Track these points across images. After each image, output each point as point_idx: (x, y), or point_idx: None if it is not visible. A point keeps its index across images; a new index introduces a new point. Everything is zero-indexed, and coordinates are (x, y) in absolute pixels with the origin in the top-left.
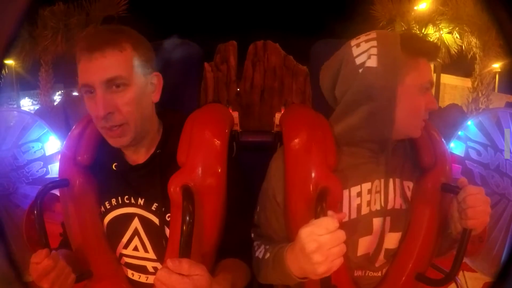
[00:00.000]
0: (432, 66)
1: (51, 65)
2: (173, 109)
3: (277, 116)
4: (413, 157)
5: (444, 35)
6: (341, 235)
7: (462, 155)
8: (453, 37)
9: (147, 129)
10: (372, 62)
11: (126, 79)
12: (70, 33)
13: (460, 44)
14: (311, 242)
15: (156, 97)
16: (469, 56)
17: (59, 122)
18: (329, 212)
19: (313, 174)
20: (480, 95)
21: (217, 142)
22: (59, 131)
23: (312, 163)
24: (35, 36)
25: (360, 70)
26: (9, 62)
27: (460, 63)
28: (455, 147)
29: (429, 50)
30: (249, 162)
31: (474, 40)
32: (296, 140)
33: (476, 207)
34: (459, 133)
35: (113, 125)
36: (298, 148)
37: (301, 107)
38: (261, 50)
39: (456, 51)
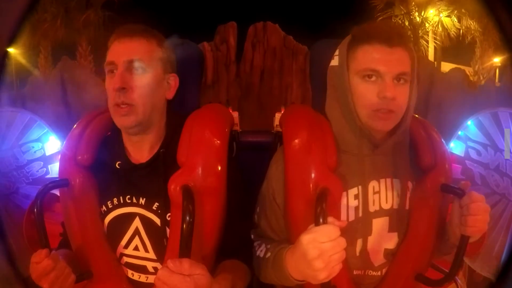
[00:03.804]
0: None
1: (50, 52)
2: (179, 111)
3: (277, 116)
4: (410, 156)
5: (443, 18)
6: (342, 242)
7: (462, 155)
8: (451, 20)
9: (154, 121)
10: (335, 62)
11: (146, 65)
12: (69, 16)
13: (458, 27)
14: (313, 249)
15: (169, 95)
16: (468, 39)
17: (56, 88)
18: (330, 219)
19: (313, 175)
20: (481, 78)
21: (217, 142)
22: (54, 98)
23: (312, 163)
24: (34, 22)
25: (328, 70)
26: (10, 49)
27: (460, 50)
28: (455, 147)
29: (373, 33)
30: (249, 162)
31: (473, 24)
32: (296, 140)
33: (477, 216)
34: (459, 133)
35: (124, 102)
36: (298, 148)
37: (301, 107)
38: (261, 31)
39: (455, 34)
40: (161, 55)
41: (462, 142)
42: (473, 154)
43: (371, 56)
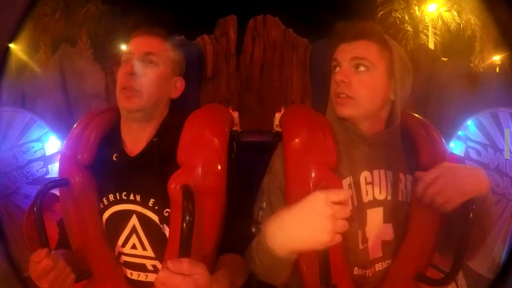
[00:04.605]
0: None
1: (51, 47)
2: (179, 110)
3: (277, 116)
4: (409, 153)
5: (443, 12)
6: (349, 210)
7: (462, 155)
8: (451, 14)
9: (156, 114)
10: None
11: (158, 60)
12: (69, 10)
13: (459, 22)
14: (326, 206)
15: (174, 95)
16: (468, 33)
17: (55, 75)
18: None
19: (313, 174)
20: (482, 71)
21: (217, 141)
22: (53, 85)
23: (312, 163)
24: (34, 16)
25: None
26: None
27: (460, 45)
28: (455, 147)
29: (336, 33)
30: (249, 162)
31: (472, 18)
32: (296, 140)
33: (441, 191)
34: (459, 133)
35: (131, 86)
36: (298, 148)
37: (301, 107)
38: (261, 24)
39: (455, 28)
40: (173, 57)
41: (462, 142)
42: (473, 154)
43: (335, 51)
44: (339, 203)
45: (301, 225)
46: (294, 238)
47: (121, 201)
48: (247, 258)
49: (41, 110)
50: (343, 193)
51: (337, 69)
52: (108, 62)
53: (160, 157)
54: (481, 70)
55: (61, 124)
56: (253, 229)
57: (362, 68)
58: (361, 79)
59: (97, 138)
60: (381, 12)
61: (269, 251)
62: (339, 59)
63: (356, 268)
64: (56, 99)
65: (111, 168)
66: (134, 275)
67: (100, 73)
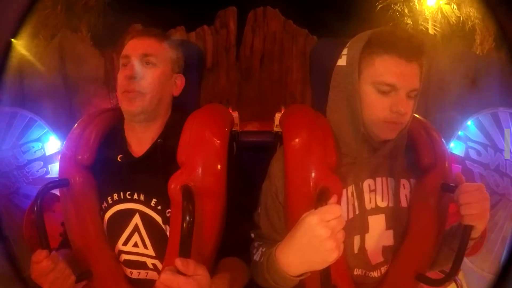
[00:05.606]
0: (416, 68)
1: (51, 42)
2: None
3: (277, 116)
4: (409, 155)
5: (442, 6)
6: (343, 220)
7: (462, 155)
8: (451, 7)
9: (159, 114)
10: (342, 61)
11: (157, 60)
12: (69, 3)
13: (458, 15)
14: (324, 228)
15: (176, 92)
16: (469, 25)
17: (54, 59)
18: (331, 201)
19: (313, 174)
20: (481, 65)
21: (217, 141)
22: (52, 68)
23: (312, 163)
24: (35, 10)
25: (334, 70)
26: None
27: (460, 38)
28: (455, 147)
29: (394, 45)
30: (249, 162)
31: (472, 11)
32: (296, 140)
33: (471, 204)
34: (459, 133)
35: (133, 89)
36: (298, 148)
37: (301, 107)
38: (261, 16)
39: (455, 21)
40: (171, 56)
41: (462, 142)
42: (473, 154)
43: (390, 69)
44: (334, 218)
45: (309, 253)
46: (306, 263)
47: (125, 200)
48: (252, 273)
49: (39, 94)
50: (337, 209)
51: (392, 93)
52: (108, 48)
53: (165, 158)
54: (481, 57)
55: (60, 118)
56: (252, 235)
57: (411, 96)
58: (411, 107)
59: (97, 139)
60: (380, 5)
61: (284, 274)
62: (399, 85)
63: (356, 269)
64: (55, 83)
65: (115, 168)
66: (134, 273)
67: (99, 58)
